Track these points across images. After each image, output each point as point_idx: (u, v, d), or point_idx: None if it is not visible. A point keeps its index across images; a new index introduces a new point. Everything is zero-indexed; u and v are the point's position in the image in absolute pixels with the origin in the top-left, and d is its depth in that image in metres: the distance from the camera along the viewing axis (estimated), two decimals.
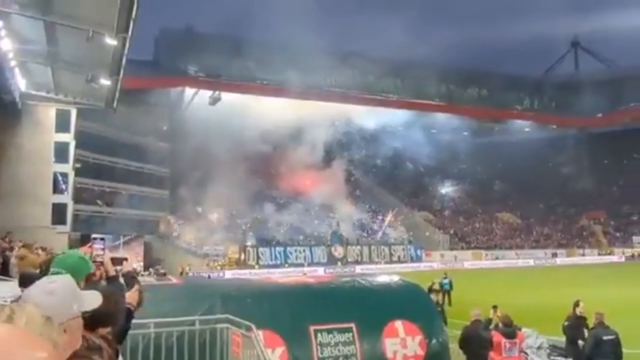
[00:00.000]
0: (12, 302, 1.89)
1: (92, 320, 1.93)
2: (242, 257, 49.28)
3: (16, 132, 34.48)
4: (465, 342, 8.87)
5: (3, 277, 12.43)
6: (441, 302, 16.51)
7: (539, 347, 10.62)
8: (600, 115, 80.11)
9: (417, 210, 69.31)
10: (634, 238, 64.42)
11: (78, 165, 39.32)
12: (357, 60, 66.51)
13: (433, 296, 11.48)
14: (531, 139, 79.31)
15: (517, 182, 74.13)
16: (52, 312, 1.54)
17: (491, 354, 8.57)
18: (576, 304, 10.10)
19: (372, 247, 56.82)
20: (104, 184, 45.44)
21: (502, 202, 73.62)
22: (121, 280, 3.78)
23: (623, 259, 57.76)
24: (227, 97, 59.75)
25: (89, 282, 2.95)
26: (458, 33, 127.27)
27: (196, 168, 51.86)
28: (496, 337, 8.74)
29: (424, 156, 69.57)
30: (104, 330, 2.26)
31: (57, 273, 2.51)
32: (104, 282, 3.67)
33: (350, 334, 7.42)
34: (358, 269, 47.81)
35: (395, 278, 9.28)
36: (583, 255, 61.29)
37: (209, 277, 34.04)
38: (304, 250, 52.60)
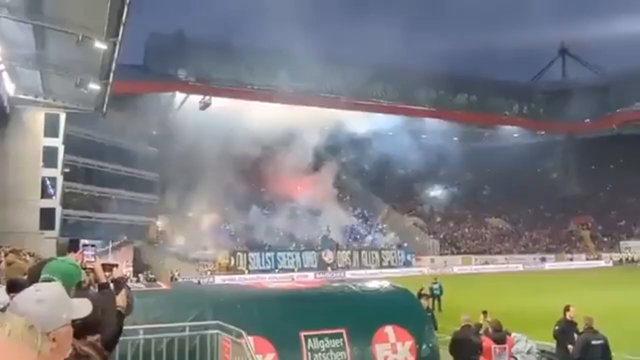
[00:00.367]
0: (0, 309, 1.87)
1: (81, 328, 1.91)
2: (232, 262, 49.15)
3: (4, 136, 34.14)
4: (456, 347, 8.88)
5: None
6: (431, 307, 16.55)
7: (529, 352, 10.65)
8: (588, 121, 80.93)
9: (407, 215, 69.51)
10: (622, 243, 64.99)
11: (67, 170, 39.06)
12: (348, 65, 66.69)
13: (423, 301, 11.47)
14: (520, 144, 79.96)
15: (506, 187, 74.58)
16: (42, 321, 1.52)
17: (481, 358, 8.60)
18: (566, 309, 10.15)
19: (363, 252, 56.89)
20: (93, 189, 45.15)
21: (492, 207, 74.02)
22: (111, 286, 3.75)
23: (611, 264, 58.17)
24: (217, 102, 59.65)
25: (79, 289, 2.93)
26: (448, 40, 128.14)
27: (186, 173, 51.66)
28: (486, 342, 8.78)
29: (413, 161, 69.77)
30: (92, 338, 2.24)
31: (49, 280, 2.48)
32: (93, 289, 3.64)
33: (341, 340, 7.40)
34: (348, 274, 47.87)
35: (386, 283, 9.28)
36: (571, 260, 61.73)
37: (199, 282, 33.84)
38: (294, 256, 52.55)
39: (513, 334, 9.95)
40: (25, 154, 34.79)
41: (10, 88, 29.47)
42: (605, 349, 8.80)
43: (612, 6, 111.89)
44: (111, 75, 21.72)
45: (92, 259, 4.24)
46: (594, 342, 8.74)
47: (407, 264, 56.29)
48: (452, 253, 62.65)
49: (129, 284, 5.53)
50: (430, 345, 8.03)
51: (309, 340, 7.26)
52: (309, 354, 7.21)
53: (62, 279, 2.53)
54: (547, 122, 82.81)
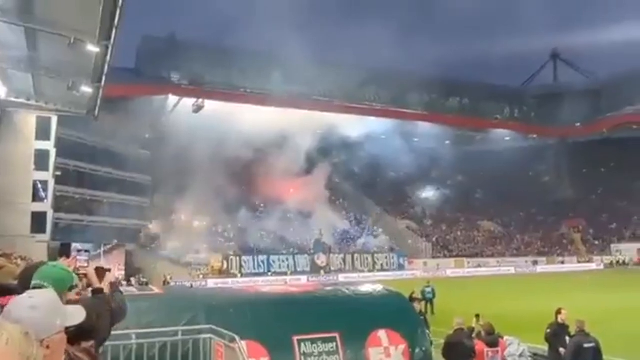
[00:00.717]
0: None
1: (75, 334, 1.90)
2: (225, 266, 49.00)
3: None
4: (449, 350, 8.89)
5: None
6: (424, 311, 16.56)
7: (521, 355, 10.67)
8: (579, 124, 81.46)
9: (400, 218, 69.63)
10: (613, 246, 65.34)
11: (58, 173, 38.84)
12: (341, 69, 66.84)
13: (415, 305, 11.48)
14: (512, 148, 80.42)
15: (498, 190, 74.93)
16: (35, 328, 1.52)
17: None
18: (558, 312, 10.18)
19: (355, 255, 56.91)
20: (85, 192, 44.92)
21: (484, 211, 74.31)
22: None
23: (602, 267, 58.47)
24: (210, 105, 59.54)
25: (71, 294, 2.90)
26: (440, 44, 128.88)
27: (178, 176, 51.54)
28: (478, 345, 8.80)
29: (406, 164, 69.98)
30: (87, 344, 2.22)
31: (40, 286, 2.46)
32: (85, 294, 3.60)
33: (334, 344, 7.40)
34: (341, 277, 47.83)
35: (379, 287, 9.28)
36: (563, 263, 62.01)
37: (192, 286, 33.74)
38: (287, 259, 52.49)
39: (505, 338, 9.96)
40: (17, 157, 34.54)
41: (1, 91, 29.23)
42: (597, 352, 8.82)
43: (603, 12, 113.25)
44: (103, 78, 21.59)
45: (86, 264, 4.17)
46: (585, 346, 8.76)
47: (400, 267, 56.36)
48: (445, 256, 62.81)
49: (121, 288, 5.49)
50: (424, 349, 8.04)
51: (302, 344, 7.25)
52: (302, 357, 7.20)
53: (54, 284, 2.51)
54: (538, 125, 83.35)
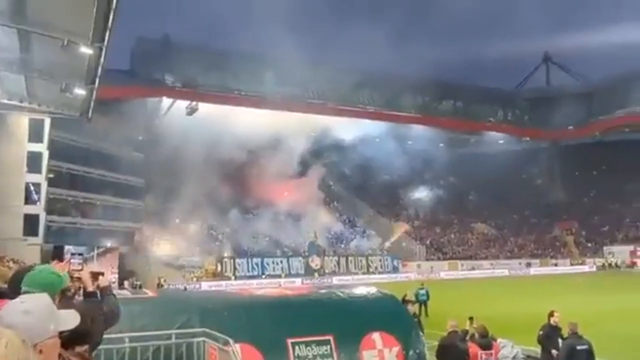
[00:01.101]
0: None
1: (69, 339, 1.90)
2: (219, 268, 48.84)
3: None
4: (443, 353, 8.90)
5: None
6: (417, 313, 16.56)
7: (514, 357, 10.71)
8: (571, 127, 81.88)
9: (394, 220, 69.68)
10: (605, 248, 65.65)
11: (51, 176, 38.65)
12: (334, 71, 66.88)
13: (409, 307, 11.49)
14: (505, 151, 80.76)
15: (491, 193, 75.19)
16: (29, 332, 1.51)
17: None
18: (551, 314, 10.21)
19: (349, 257, 56.85)
20: (78, 195, 44.71)
21: (477, 213, 74.51)
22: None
23: (594, 269, 58.73)
24: (204, 107, 59.42)
25: (64, 297, 2.89)
26: (434, 47, 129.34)
27: (172, 179, 51.37)
28: (472, 348, 8.81)
29: (400, 167, 70.05)
30: (81, 348, 2.21)
31: (29, 292, 2.44)
32: (78, 298, 3.59)
33: (328, 347, 7.39)
34: (335, 280, 47.77)
35: (373, 289, 9.27)
36: (556, 265, 62.25)
37: (185, 289, 33.58)
38: (281, 262, 52.36)
39: (499, 340, 9.99)
40: (9, 159, 34.38)
41: None
42: (589, 354, 8.86)
43: (595, 15, 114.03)
44: (97, 80, 21.54)
45: (79, 268, 4.15)
46: (578, 348, 8.80)
47: (394, 269, 56.37)
48: (439, 258, 62.90)
49: (114, 291, 5.47)
50: (418, 351, 8.04)
51: (296, 347, 7.23)
52: None
53: (43, 290, 2.49)
54: (531, 128, 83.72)
